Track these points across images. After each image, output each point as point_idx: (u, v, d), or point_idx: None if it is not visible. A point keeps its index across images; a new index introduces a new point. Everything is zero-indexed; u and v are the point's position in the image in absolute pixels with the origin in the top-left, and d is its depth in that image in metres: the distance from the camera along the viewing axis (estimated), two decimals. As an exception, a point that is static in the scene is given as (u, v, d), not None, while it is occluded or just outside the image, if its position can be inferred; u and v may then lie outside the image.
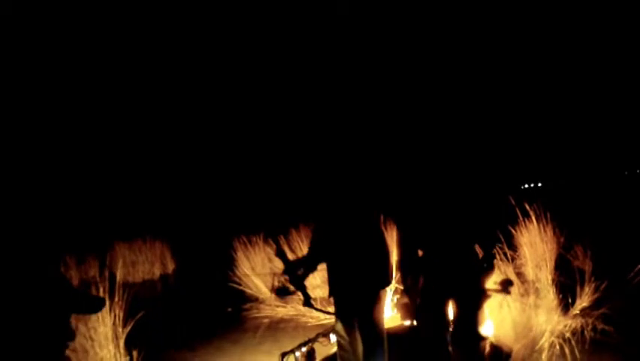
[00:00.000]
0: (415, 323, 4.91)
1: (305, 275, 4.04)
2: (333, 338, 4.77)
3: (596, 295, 5.53)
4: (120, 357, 5.07)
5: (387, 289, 4.16)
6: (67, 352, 5.00)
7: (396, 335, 4.70)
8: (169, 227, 13.20)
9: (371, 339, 3.87)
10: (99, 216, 12.80)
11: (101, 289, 5.19)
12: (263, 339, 6.38)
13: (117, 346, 5.12)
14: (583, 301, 5.50)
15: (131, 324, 5.29)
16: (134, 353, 5.01)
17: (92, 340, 5.08)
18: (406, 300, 5.14)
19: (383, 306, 3.99)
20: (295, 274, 4.03)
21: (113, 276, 5.84)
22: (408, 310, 5.14)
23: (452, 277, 3.79)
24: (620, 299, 5.72)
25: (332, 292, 3.90)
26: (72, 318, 5.25)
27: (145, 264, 10.73)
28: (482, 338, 4.14)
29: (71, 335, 3.56)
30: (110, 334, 5.17)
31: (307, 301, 4.16)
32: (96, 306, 3.93)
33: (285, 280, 4.16)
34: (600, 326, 5.16)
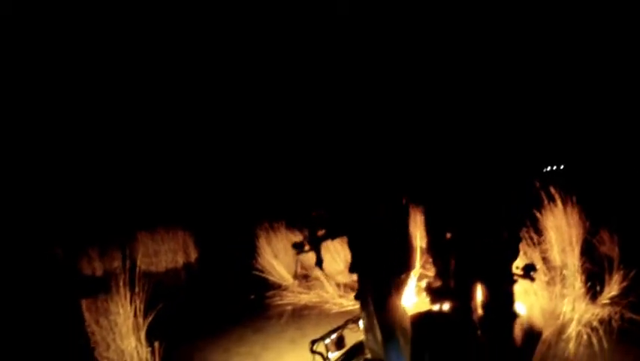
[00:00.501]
0: (443, 307, 4.82)
1: (323, 238, 4.03)
2: (362, 324, 4.70)
3: (624, 284, 5.33)
4: (141, 348, 5.03)
5: (410, 274, 4.08)
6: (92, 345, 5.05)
7: (425, 319, 4.60)
8: (191, 215, 13.20)
9: (387, 325, 3.82)
10: (121, 207, 12.82)
11: (121, 281, 5.20)
12: (286, 327, 6.31)
13: (138, 337, 5.09)
14: (611, 290, 5.31)
15: (152, 315, 5.29)
16: (156, 344, 4.93)
17: (114, 332, 5.07)
18: (437, 284, 5.02)
19: (401, 292, 3.92)
20: (315, 234, 4.06)
21: (135, 266, 5.82)
22: (438, 294, 5.03)
23: (480, 261, 3.69)
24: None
25: (352, 271, 3.86)
26: (92, 311, 5.30)
27: (168, 253, 10.72)
28: (515, 317, 4.04)
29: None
30: (131, 326, 5.14)
31: (319, 262, 4.17)
32: (100, 288, 3.96)
33: (305, 236, 4.19)
34: (628, 316, 4.97)
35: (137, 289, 5.27)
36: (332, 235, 4.09)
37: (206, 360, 5.51)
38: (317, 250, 4.11)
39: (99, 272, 9.66)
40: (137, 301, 5.22)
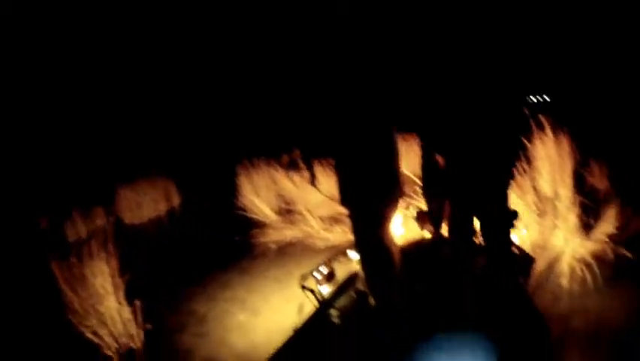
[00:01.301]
0: (435, 235, 4.80)
1: (316, 156, 4.01)
2: (352, 255, 4.64)
3: (620, 220, 5.14)
4: (123, 309, 4.91)
5: (399, 203, 4.01)
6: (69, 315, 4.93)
7: (416, 249, 4.57)
8: (170, 161, 12.93)
9: (374, 256, 3.81)
10: (96, 164, 12.53)
11: (94, 241, 5.06)
12: (271, 266, 6.24)
13: (118, 298, 4.97)
14: (607, 226, 5.12)
15: (134, 271, 5.17)
16: (137, 303, 4.81)
17: (92, 297, 4.95)
18: (427, 212, 4.97)
19: (390, 222, 3.84)
20: (309, 151, 4.04)
21: (117, 223, 5.64)
22: (427, 220, 5.00)
23: (478, 194, 3.58)
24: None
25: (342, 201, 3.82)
26: (67, 280, 5.16)
27: (150, 203, 10.51)
28: (513, 249, 3.99)
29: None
30: (109, 287, 5.02)
31: (312, 180, 4.19)
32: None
33: (298, 155, 4.20)
34: (624, 253, 4.81)
35: (110, 248, 5.12)
36: (325, 154, 4.03)
37: (191, 310, 5.42)
38: (310, 166, 4.05)
39: (84, 234, 9.46)
40: (113, 260, 5.09)
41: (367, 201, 3.71)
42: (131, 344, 4.65)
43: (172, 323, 5.21)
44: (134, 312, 4.82)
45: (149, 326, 4.83)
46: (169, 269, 6.82)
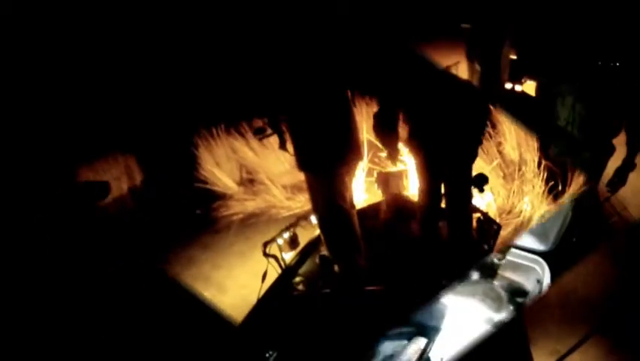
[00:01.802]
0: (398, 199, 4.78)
1: (284, 120, 3.93)
2: (314, 220, 4.61)
3: (586, 186, 5.16)
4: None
5: (357, 166, 3.96)
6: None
7: (379, 212, 4.56)
8: (127, 135, 12.53)
9: (329, 222, 3.87)
10: (50, 148, 12.10)
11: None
12: (235, 239, 6.20)
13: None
14: (574, 191, 5.12)
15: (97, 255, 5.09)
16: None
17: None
18: (385, 172, 4.97)
19: (345, 187, 3.82)
20: (276, 116, 3.97)
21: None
22: (389, 183, 4.97)
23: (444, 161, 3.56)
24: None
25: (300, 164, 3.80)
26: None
27: (111, 182, 10.24)
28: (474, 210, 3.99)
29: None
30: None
31: (282, 145, 4.10)
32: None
33: (264, 122, 4.11)
34: None
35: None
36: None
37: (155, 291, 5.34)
38: (279, 131, 3.98)
39: (44, 222, 9.19)
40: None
41: (323, 164, 3.68)
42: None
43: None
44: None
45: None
46: (131, 249, 6.67)
